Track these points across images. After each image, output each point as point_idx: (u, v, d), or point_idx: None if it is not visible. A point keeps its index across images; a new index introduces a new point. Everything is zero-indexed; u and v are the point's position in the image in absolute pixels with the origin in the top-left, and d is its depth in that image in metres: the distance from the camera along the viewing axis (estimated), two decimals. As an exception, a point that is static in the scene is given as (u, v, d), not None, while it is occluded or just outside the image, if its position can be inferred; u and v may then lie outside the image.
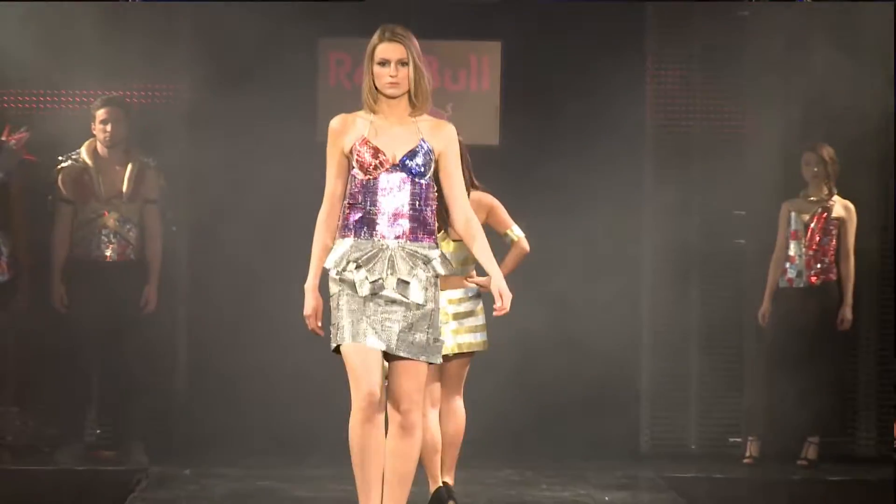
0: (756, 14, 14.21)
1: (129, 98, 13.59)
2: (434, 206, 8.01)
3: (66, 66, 13.35)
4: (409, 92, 7.97)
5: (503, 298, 7.93)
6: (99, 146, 13.23)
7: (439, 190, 8.09)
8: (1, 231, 13.20)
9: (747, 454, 13.86)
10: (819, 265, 13.64)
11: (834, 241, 13.65)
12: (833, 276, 13.65)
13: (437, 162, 8.01)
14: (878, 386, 14.62)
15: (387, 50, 7.87)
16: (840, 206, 13.68)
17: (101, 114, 13.17)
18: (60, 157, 13.28)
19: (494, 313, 7.98)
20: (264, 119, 13.88)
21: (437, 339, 7.99)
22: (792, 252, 13.72)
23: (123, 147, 13.28)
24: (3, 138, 13.25)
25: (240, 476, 12.68)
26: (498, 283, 7.97)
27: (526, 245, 9.92)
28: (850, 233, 13.68)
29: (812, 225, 13.64)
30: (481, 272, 9.06)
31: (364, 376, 7.78)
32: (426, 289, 7.90)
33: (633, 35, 14.61)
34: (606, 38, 14.39)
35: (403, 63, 7.88)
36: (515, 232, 9.92)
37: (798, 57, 13.96)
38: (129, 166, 13.27)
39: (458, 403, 9.92)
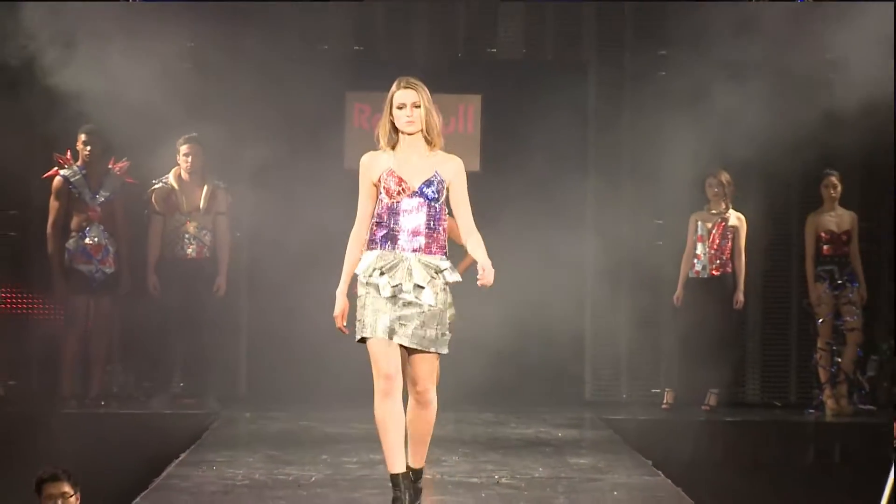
0: (671, 77, 14.21)
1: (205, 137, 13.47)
2: (445, 226, 7.65)
3: (160, 113, 13.15)
4: (422, 130, 7.60)
5: (485, 271, 7.48)
6: (182, 172, 13.35)
7: (449, 210, 7.72)
8: (109, 235, 13.35)
9: (664, 401, 14.00)
10: (718, 261, 13.74)
11: (729, 244, 13.74)
12: (729, 270, 13.76)
13: (447, 189, 7.65)
14: (761, 349, 14.72)
15: (403, 96, 7.55)
16: (734, 217, 13.81)
17: (183, 148, 13.31)
18: (153, 181, 13.39)
19: (478, 282, 7.49)
20: (304, 152, 13.88)
21: (444, 334, 7.60)
22: (698, 251, 13.79)
23: (200, 173, 13.39)
24: (110, 166, 13.42)
25: (287, 418, 12.81)
26: (483, 261, 7.53)
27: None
28: (742, 237, 13.77)
29: (713, 231, 13.76)
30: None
31: (383, 363, 7.49)
32: (437, 293, 7.53)
33: (579, 90, 14.65)
34: (559, 92, 14.39)
35: (417, 106, 7.53)
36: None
37: (703, 105, 14.10)
38: (205, 187, 13.39)
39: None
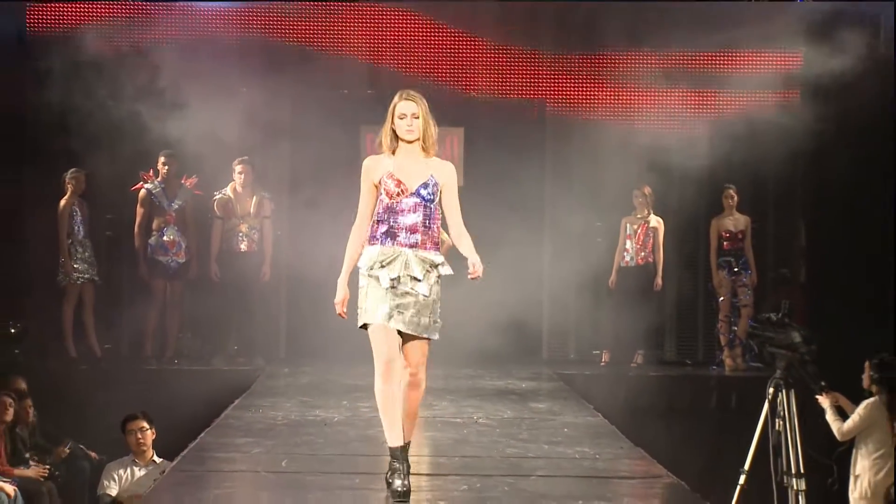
0: (611, 114, 14.37)
1: (253, 159, 13.51)
2: (439, 224, 6.78)
3: (220, 141, 13.26)
4: (419, 139, 6.71)
5: (476, 267, 6.70)
6: (237, 186, 13.30)
7: (441, 210, 6.85)
8: (181, 234, 13.34)
9: (602, 360, 13.97)
10: (642, 254, 13.69)
11: (651, 241, 13.70)
12: (651, 260, 13.71)
13: (441, 191, 6.78)
14: (676, 320, 14.67)
15: (404, 107, 6.65)
16: (655, 220, 13.78)
17: (238, 168, 13.27)
18: (215, 192, 13.36)
19: (469, 277, 6.69)
20: (328, 171, 13.72)
21: (435, 322, 6.69)
22: (627, 247, 13.75)
23: (251, 187, 13.32)
24: (182, 181, 13.41)
25: (315, 372, 12.81)
26: (475, 258, 6.71)
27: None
28: (660, 235, 13.74)
29: (638, 231, 13.71)
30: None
31: (383, 348, 6.57)
32: (431, 286, 6.66)
33: (538, 124, 14.67)
34: (523, 126, 14.47)
35: (416, 116, 6.64)
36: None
37: (631, 136, 14.12)
38: (254, 197, 13.32)
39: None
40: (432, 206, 6.73)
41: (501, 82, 14.65)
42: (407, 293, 6.62)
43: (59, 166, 13.50)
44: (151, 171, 13.41)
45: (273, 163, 14.22)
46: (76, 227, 13.22)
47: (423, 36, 14.58)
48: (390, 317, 6.58)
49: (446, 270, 6.75)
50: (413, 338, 6.65)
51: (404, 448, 6.75)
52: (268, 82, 14.10)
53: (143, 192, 13.35)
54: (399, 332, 6.64)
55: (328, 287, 13.35)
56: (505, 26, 14.57)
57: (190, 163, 13.49)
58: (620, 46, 14.32)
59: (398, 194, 6.67)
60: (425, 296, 6.63)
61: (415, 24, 14.60)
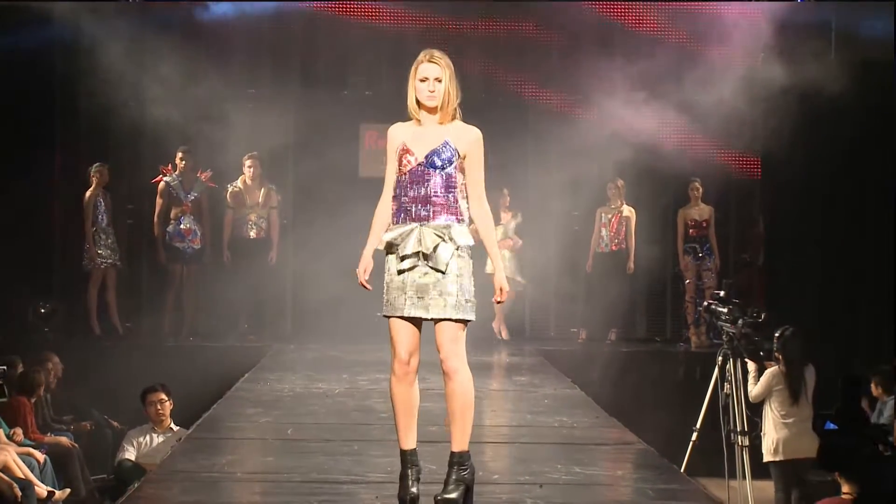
0: (584, 113, 14.08)
1: (261, 154, 13.46)
2: (457, 194, 5.49)
3: (231, 138, 13.32)
4: (441, 105, 5.49)
5: (502, 293, 5.58)
6: (246, 179, 13.24)
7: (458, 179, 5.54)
8: (197, 222, 13.28)
9: (579, 337, 13.90)
10: (616, 240, 13.61)
11: (624, 228, 13.62)
12: (623, 247, 13.61)
13: (462, 159, 5.49)
14: (646, 301, 14.58)
15: (427, 69, 5.46)
16: (627, 210, 13.69)
17: (247, 162, 13.21)
18: (227, 185, 13.32)
19: (494, 301, 5.62)
20: (331, 165, 13.61)
21: (467, 300, 5.41)
22: (602, 234, 13.67)
23: (259, 179, 13.27)
24: (198, 175, 13.36)
25: (320, 349, 12.70)
26: (500, 279, 5.59)
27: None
28: (632, 224, 13.64)
29: (612, 220, 13.63)
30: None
31: (399, 347, 5.42)
32: (451, 258, 5.40)
33: (521, 121, 14.50)
34: (509, 123, 14.15)
35: (439, 80, 5.44)
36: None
37: (607, 133, 14.04)
38: (262, 189, 13.27)
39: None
40: (446, 173, 5.47)
41: (490, 84, 14.49)
42: (426, 273, 5.43)
43: (84, 161, 13.53)
44: (170, 166, 13.35)
45: (280, 157, 14.12)
46: (100, 217, 13.16)
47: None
48: (407, 307, 5.43)
49: (466, 241, 5.50)
50: (442, 321, 5.41)
51: (414, 451, 5.63)
52: (275, 84, 14.11)
53: (162, 184, 13.31)
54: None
55: (330, 270, 13.47)
56: (492, 25, 14.49)
57: (205, 158, 13.47)
58: (595, 52, 14.22)
59: (407, 164, 5.49)
60: (444, 272, 5.42)
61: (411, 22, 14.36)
